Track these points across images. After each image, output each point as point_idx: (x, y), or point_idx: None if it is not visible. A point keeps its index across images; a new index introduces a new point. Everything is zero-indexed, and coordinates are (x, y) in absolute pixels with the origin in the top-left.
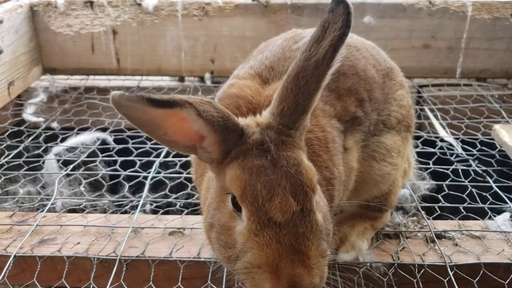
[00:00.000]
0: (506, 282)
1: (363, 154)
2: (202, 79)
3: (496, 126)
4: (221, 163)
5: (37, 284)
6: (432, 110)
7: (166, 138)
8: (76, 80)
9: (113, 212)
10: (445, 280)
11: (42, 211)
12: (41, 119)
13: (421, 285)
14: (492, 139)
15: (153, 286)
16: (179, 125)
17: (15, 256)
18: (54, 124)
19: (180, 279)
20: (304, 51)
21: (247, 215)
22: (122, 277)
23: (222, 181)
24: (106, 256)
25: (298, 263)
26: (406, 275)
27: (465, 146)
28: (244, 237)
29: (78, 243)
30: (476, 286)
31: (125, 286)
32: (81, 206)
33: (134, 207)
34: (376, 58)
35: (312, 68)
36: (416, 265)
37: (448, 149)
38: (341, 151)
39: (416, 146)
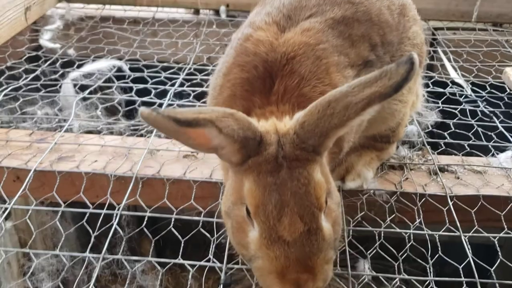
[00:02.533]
0: (503, 213)
1: None
2: (217, 12)
3: (508, 69)
4: (240, 166)
5: (57, 197)
6: (445, 53)
7: (191, 143)
8: (92, 9)
9: (129, 135)
10: (445, 209)
11: (60, 131)
12: (57, 45)
13: (421, 212)
14: (502, 82)
15: (167, 202)
16: (202, 136)
17: (35, 170)
18: (71, 51)
19: (193, 197)
20: (350, 85)
21: (259, 230)
22: (137, 194)
23: (239, 185)
24: (123, 173)
25: (304, 272)
26: (408, 203)
27: (475, 88)
28: (256, 247)
29: (96, 161)
30: (474, 216)
31: (141, 202)
32: (97, 129)
33: (149, 132)
34: None
35: (343, 106)
36: (418, 194)
37: (458, 90)
38: None
39: (427, 86)
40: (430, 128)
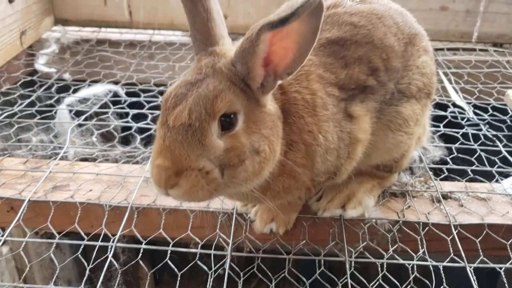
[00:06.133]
0: (509, 242)
1: (377, 123)
2: None
3: (510, 91)
4: None
5: (51, 227)
6: (446, 74)
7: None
8: (87, 32)
9: (124, 163)
10: (449, 239)
11: (55, 159)
12: (53, 69)
13: (424, 242)
14: (504, 104)
15: (163, 233)
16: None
17: (29, 200)
18: (66, 75)
19: (189, 228)
20: (269, 17)
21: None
22: (133, 224)
23: None
24: (118, 203)
25: (167, 160)
26: (411, 232)
27: (477, 111)
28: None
29: (91, 190)
30: (479, 246)
31: (136, 233)
32: (93, 156)
33: (145, 159)
34: (400, 26)
35: (253, 35)
36: (421, 223)
37: (460, 113)
38: (336, 119)
39: None
40: (433, 155)
